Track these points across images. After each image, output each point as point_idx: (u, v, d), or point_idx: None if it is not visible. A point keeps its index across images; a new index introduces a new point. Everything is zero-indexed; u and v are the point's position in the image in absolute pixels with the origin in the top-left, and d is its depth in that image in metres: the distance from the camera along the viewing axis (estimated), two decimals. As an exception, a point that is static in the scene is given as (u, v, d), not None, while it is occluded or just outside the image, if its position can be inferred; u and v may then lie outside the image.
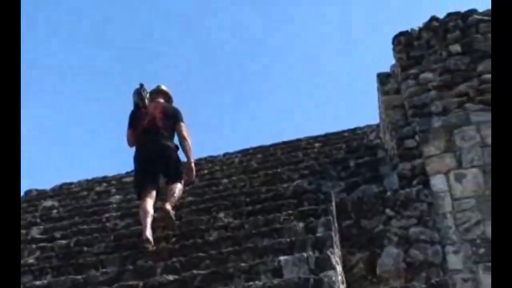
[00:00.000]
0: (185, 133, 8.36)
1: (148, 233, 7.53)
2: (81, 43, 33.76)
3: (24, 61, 29.75)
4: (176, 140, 8.48)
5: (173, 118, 8.45)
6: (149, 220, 7.65)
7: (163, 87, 8.89)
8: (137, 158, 8.28)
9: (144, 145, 8.22)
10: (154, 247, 7.54)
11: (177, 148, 8.42)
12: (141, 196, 8.03)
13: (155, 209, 7.98)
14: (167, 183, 8.29)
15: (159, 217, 7.92)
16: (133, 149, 8.43)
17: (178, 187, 8.22)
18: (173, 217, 8.01)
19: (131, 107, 8.53)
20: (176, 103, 9.00)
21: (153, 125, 8.26)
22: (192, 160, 8.40)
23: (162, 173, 8.23)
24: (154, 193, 8.04)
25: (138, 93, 8.38)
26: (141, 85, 8.46)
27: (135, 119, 8.39)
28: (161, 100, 8.70)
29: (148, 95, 8.47)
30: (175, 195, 8.12)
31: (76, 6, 33.70)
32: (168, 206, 7.88)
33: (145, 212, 7.73)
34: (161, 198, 8.33)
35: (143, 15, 34.25)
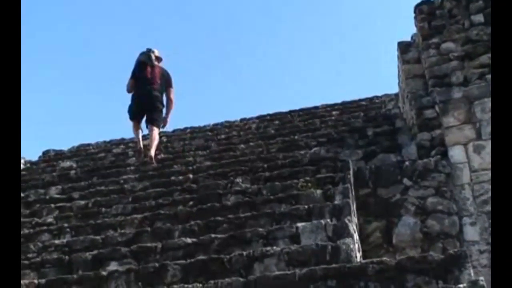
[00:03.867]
0: (172, 95, 10.90)
1: (141, 145, 10.43)
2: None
3: (44, 23, 29.79)
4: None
5: (166, 80, 10.93)
6: (140, 136, 10.55)
7: (157, 53, 11.08)
8: (135, 98, 10.76)
9: (142, 90, 10.67)
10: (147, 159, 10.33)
11: (163, 106, 10.78)
12: (133, 120, 10.70)
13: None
14: (147, 122, 10.68)
15: (143, 160, 10.49)
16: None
17: (156, 134, 10.56)
18: (155, 163, 10.37)
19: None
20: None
21: (152, 80, 10.73)
22: (169, 117, 10.84)
23: (147, 114, 10.67)
24: (140, 121, 10.70)
25: (148, 55, 10.89)
26: (150, 49, 10.98)
27: (137, 72, 10.84)
28: (158, 64, 11.04)
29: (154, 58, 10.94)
30: (155, 142, 10.48)
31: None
32: (152, 153, 10.31)
33: (137, 130, 10.65)
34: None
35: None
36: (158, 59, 11.09)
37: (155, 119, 10.62)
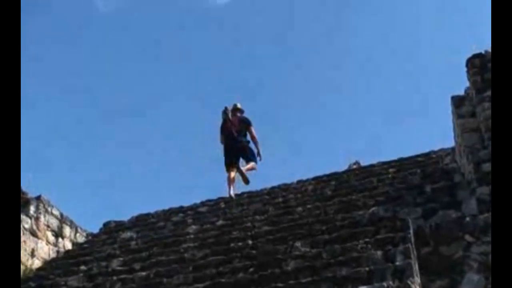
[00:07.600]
0: (253, 132, 13.62)
1: (232, 193, 12.92)
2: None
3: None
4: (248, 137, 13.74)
5: (245, 124, 13.68)
6: (232, 185, 13.00)
7: (238, 105, 14.00)
8: (225, 149, 13.41)
9: (229, 141, 13.39)
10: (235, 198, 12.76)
11: (248, 142, 13.57)
12: (227, 169, 13.21)
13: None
14: (246, 161, 13.40)
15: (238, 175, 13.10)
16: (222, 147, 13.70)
17: (253, 163, 13.42)
18: (246, 175, 13.05)
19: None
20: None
21: (233, 129, 13.44)
22: (260, 149, 13.58)
23: (241, 156, 13.35)
24: (234, 169, 13.11)
25: (225, 113, 13.70)
26: (226, 107, 13.84)
27: (223, 128, 13.59)
28: (238, 114, 13.82)
29: (230, 113, 13.69)
30: (249, 165, 13.33)
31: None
32: (243, 168, 13.08)
33: (229, 179, 13.07)
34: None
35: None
36: (236, 110, 13.81)
37: (248, 157, 13.38)
